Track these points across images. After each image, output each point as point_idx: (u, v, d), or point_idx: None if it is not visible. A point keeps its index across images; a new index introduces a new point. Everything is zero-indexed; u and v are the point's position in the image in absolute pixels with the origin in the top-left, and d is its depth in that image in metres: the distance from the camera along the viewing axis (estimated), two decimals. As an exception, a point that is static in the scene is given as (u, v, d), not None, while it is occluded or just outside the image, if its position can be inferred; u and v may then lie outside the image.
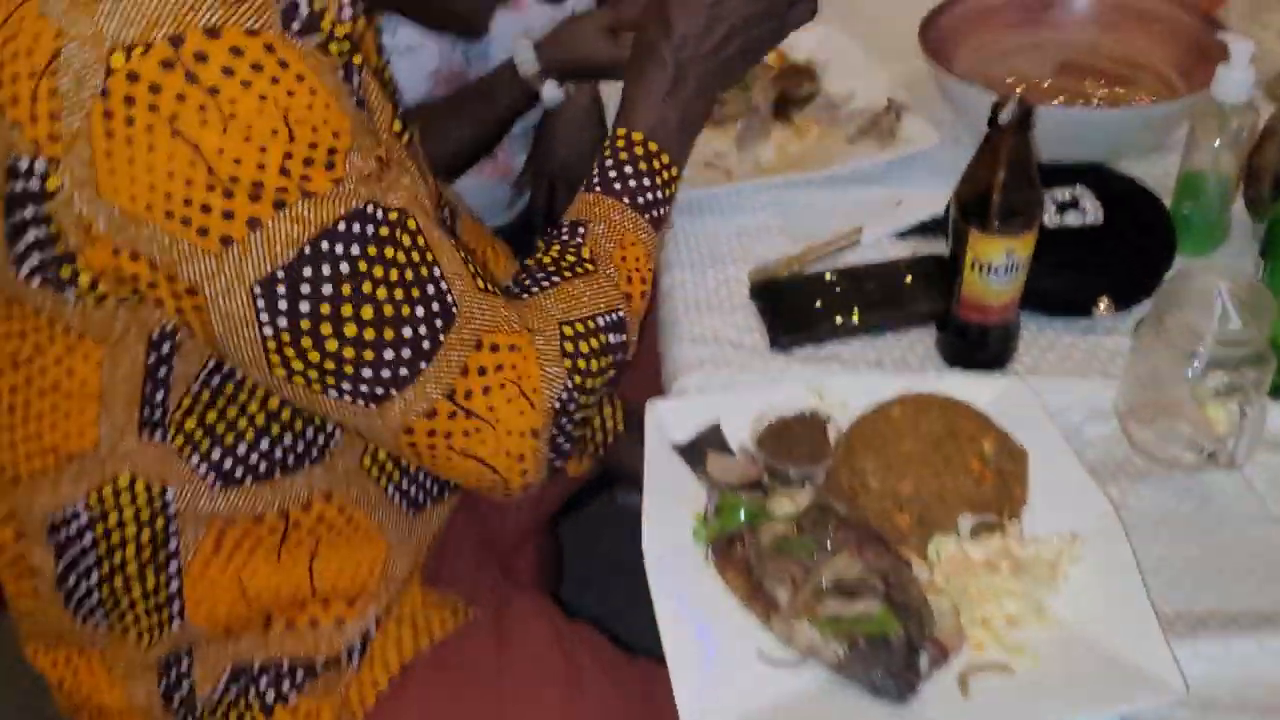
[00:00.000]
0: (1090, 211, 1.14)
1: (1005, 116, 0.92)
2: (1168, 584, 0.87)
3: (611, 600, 1.72)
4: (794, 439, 0.96)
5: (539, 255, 0.96)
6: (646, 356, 1.14)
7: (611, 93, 1.43)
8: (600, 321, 0.91)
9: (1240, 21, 1.41)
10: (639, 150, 0.99)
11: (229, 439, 0.86)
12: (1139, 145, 1.27)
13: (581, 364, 0.88)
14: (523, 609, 1.06)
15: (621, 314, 0.93)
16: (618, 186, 0.98)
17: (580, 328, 0.90)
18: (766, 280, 1.16)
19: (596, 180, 0.99)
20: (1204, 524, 0.92)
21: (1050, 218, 1.14)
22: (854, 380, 1.02)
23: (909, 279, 1.15)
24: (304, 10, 0.74)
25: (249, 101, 0.70)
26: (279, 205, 0.73)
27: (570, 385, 0.87)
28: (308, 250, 0.75)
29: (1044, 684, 0.77)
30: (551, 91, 1.37)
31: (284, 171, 0.72)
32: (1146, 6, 1.38)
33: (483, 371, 0.83)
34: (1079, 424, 1.00)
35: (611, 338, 0.92)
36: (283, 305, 0.75)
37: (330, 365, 0.79)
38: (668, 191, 1.01)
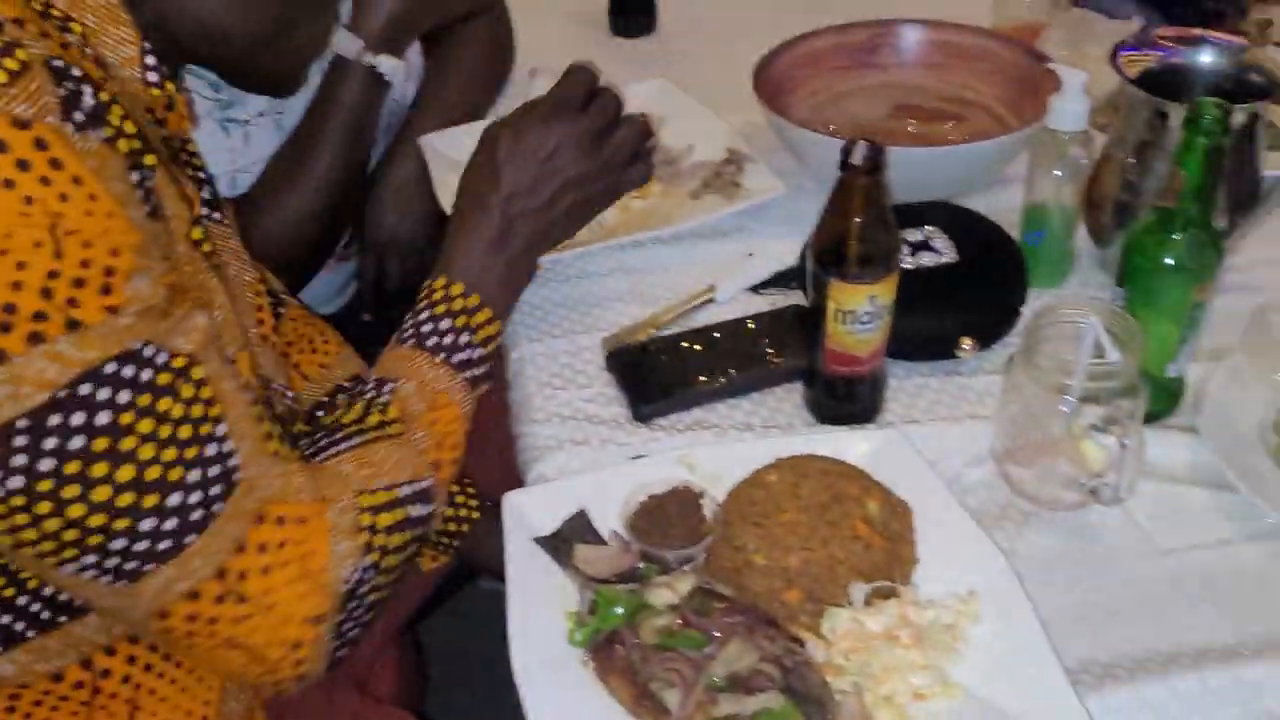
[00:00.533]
0: (944, 251, 1.12)
1: (856, 159, 0.88)
2: (1067, 633, 0.83)
3: (481, 705, 1.62)
4: (668, 519, 0.89)
5: (340, 413, 0.86)
6: (502, 439, 1.06)
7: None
8: (404, 492, 0.82)
9: (1059, 53, 1.43)
10: (458, 304, 0.92)
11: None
12: (980, 181, 1.27)
13: (379, 540, 0.79)
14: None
15: (428, 483, 0.84)
16: (432, 342, 0.90)
17: (382, 498, 0.80)
18: (622, 348, 1.09)
19: (410, 333, 0.91)
20: (1093, 564, 0.89)
21: (904, 259, 1.11)
22: (725, 449, 0.95)
23: (770, 334, 1.10)
24: (88, 100, 0.62)
25: (9, 205, 0.58)
26: (34, 339, 0.60)
27: (365, 564, 0.77)
28: (62, 394, 0.61)
29: (960, 762, 0.72)
30: (388, 64, 1.28)
31: (45, 294, 0.59)
32: (970, 44, 1.39)
33: (263, 549, 0.72)
34: (958, 470, 0.97)
35: (414, 509, 0.82)
36: (18, 460, 0.61)
37: (71, 535, 0.65)
38: (487, 349, 0.93)
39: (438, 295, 0.93)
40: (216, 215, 0.86)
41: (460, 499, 1.10)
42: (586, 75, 1.02)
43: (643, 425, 1.03)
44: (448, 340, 0.91)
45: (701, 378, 1.06)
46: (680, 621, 0.78)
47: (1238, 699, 0.78)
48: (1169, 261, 0.92)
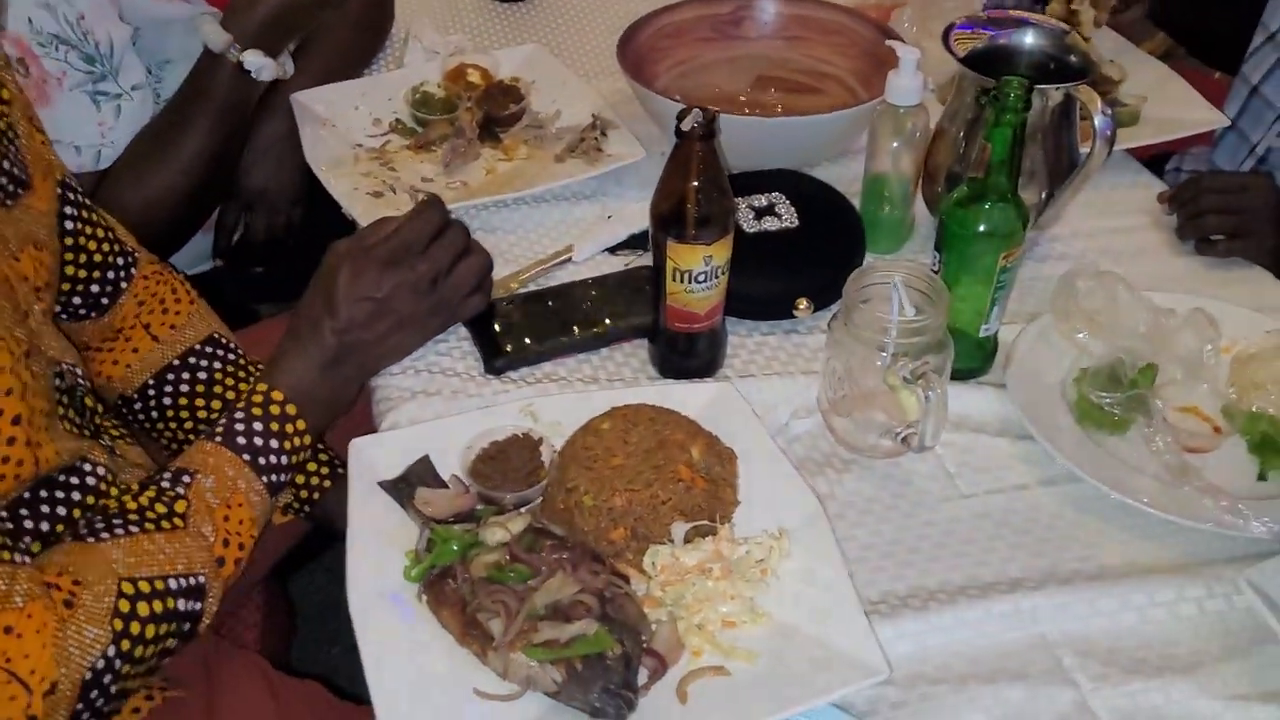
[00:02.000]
0: (786, 216, 1.18)
1: (689, 125, 0.93)
2: (874, 568, 0.91)
3: (349, 642, 1.65)
4: (508, 464, 0.94)
5: (128, 494, 0.86)
6: (363, 404, 1.09)
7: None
8: (173, 584, 0.82)
9: (914, 29, 1.50)
10: (275, 410, 0.94)
11: None
12: (828, 151, 1.34)
13: (135, 628, 0.78)
14: (232, 675, 0.98)
15: (202, 579, 0.84)
16: (241, 441, 0.92)
17: (145, 587, 0.80)
18: (479, 309, 1.13)
19: (220, 431, 0.92)
20: (903, 508, 0.96)
21: (749, 223, 1.17)
22: (565, 399, 1.00)
23: (620, 293, 1.15)
24: None
25: None
26: None
27: (113, 653, 0.77)
28: None
29: (759, 681, 0.78)
30: (255, 60, 1.28)
31: None
32: (826, 19, 1.45)
33: None
34: (787, 421, 1.03)
35: (181, 603, 0.82)
36: None
37: None
38: (294, 459, 0.95)
39: (256, 399, 0.94)
40: None
41: (312, 466, 1.13)
42: (434, 214, 1.05)
43: (494, 378, 1.07)
44: (257, 443, 0.91)
45: (552, 334, 1.10)
46: (509, 557, 0.83)
47: (1017, 624, 0.86)
48: (980, 228, 0.99)
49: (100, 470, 0.90)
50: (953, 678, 0.82)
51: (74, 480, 0.87)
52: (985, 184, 0.98)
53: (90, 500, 0.87)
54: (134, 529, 0.82)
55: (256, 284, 1.57)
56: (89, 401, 0.95)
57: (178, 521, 0.85)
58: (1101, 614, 0.87)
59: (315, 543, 1.38)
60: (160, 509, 0.85)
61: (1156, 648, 0.85)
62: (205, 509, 0.86)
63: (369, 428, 1.04)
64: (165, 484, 0.87)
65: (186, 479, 0.87)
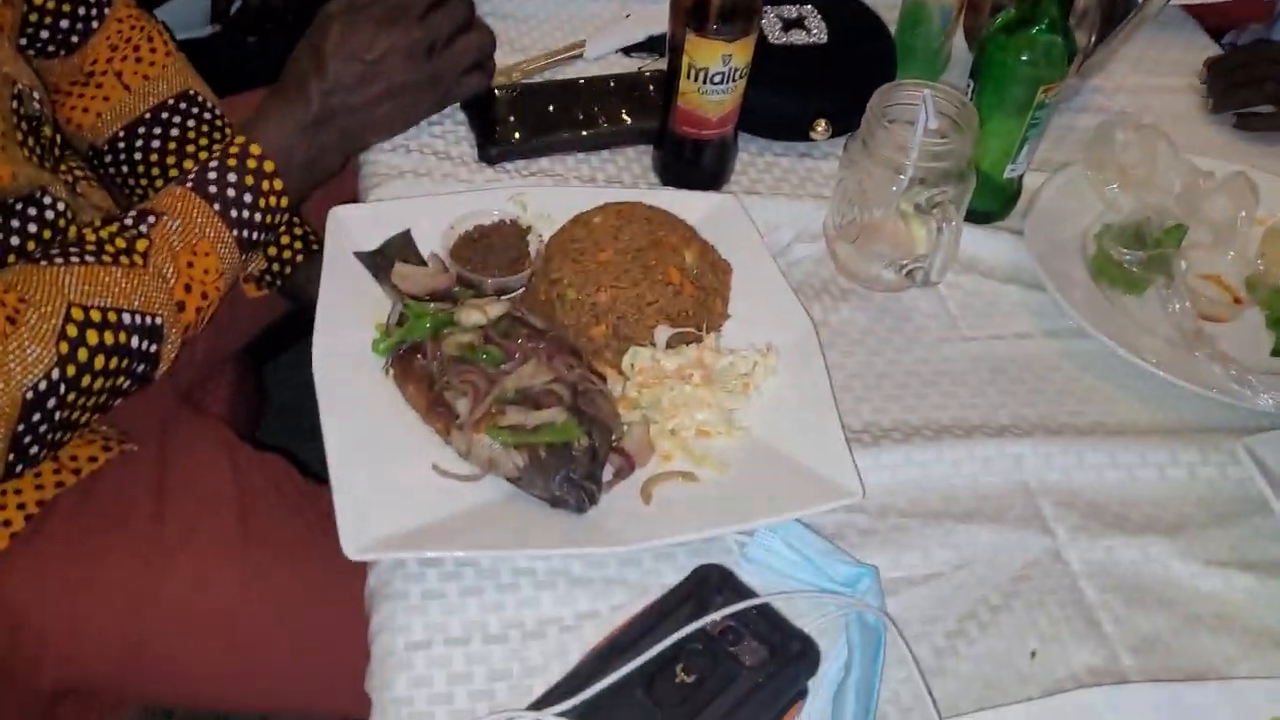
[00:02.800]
0: (815, 31, 1.10)
1: (723, -95, 0.85)
2: (858, 398, 0.87)
3: (309, 442, 1.63)
4: (491, 249, 0.89)
5: (89, 228, 0.82)
6: (346, 176, 1.04)
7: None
8: (127, 319, 0.78)
9: None
10: (252, 164, 0.88)
11: None
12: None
13: (82, 355, 0.75)
14: (193, 438, 0.96)
15: (160, 321, 0.81)
16: (213, 190, 0.86)
17: (96, 316, 0.76)
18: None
19: (193, 177, 0.86)
20: (897, 342, 0.92)
21: (774, 34, 1.09)
22: (559, 191, 0.95)
23: (629, 95, 1.09)
24: None
25: None
26: None
27: (56, 376, 0.74)
28: None
29: (727, 491, 0.75)
30: None
31: None
32: None
33: None
34: (788, 243, 0.98)
35: (135, 341, 0.79)
36: None
37: None
38: (269, 219, 0.89)
39: (233, 149, 0.88)
40: None
41: (285, 239, 1.08)
42: None
43: (487, 167, 1.02)
44: (230, 194, 0.86)
45: (552, 127, 1.04)
46: (483, 339, 0.79)
47: (999, 469, 0.83)
48: (1022, 57, 0.92)
49: (60, 205, 0.85)
50: (925, 512, 0.80)
51: (31, 211, 0.83)
52: (1035, 8, 0.90)
53: (47, 234, 0.83)
54: (90, 259, 0.78)
55: (251, 56, 1.49)
56: (48, 131, 0.90)
57: (137, 259, 0.80)
58: (1087, 467, 0.84)
59: (291, 333, 1.35)
60: (120, 244, 0.80)
61: (1141, 507, 0.82)
62: (168, 251, 0.82)
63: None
64: (129, 222, 0.83)
65: (151, 219, 0.83)
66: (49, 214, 0.84)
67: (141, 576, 0.89)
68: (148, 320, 0.80)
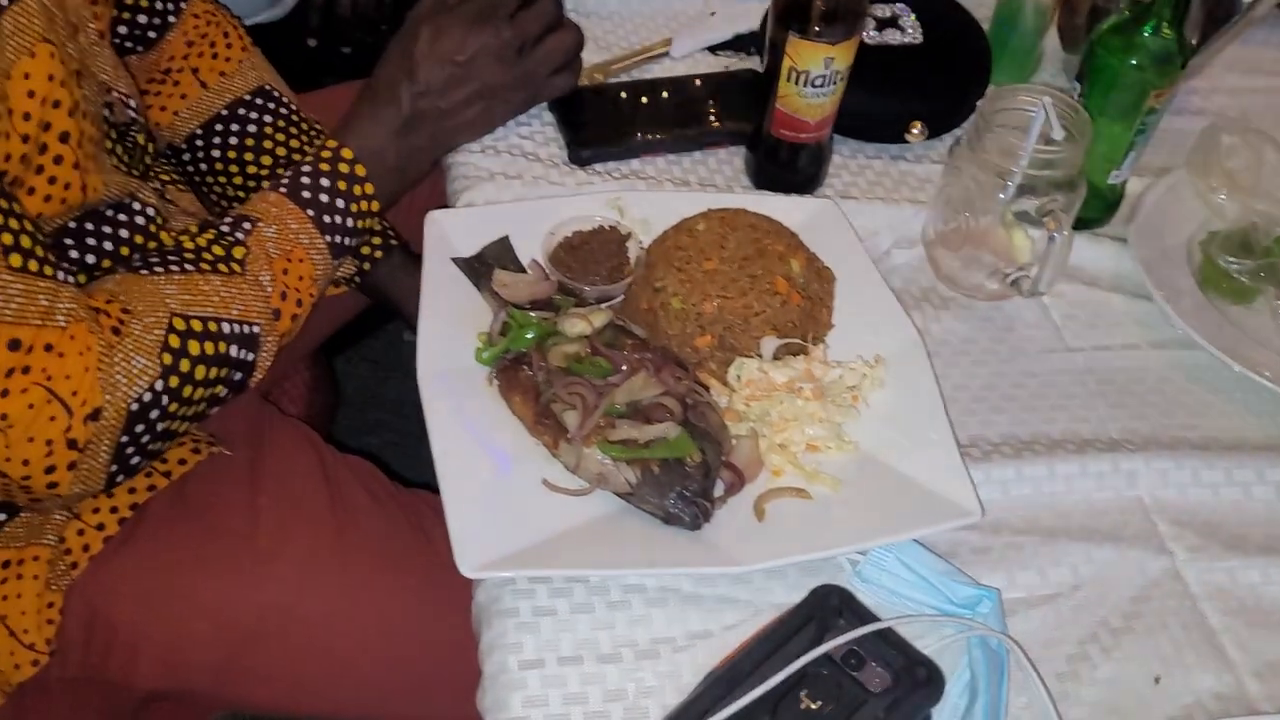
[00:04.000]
0: (910, 30, 1.08)
1: (831, -95, 0.83)
2: (965, 410, 0.85)
3: (388, 435, 1.63)
4: (591, 256, 0.88)
5: (185, 235, 0.81)
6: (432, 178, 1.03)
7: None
8: (226, 329, 0.78)
9: None
10: (344, 168, 0.87)
11: None
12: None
13: (185, 365, 0.75)
14: (281, 440, 0.96)
15: (258, 330, 0.80)
16: (307, 195, 0.85)
17: (197, 326, 0.76)
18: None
19: (286, 183, 0.86)
20: (1002, 353, 0.90)
21: (868, 35, 1.07)
22: (658, 196, 0.94)
23: (720, 95, 1.07)
24: None
25: None
26: None
27: (160, 387, 0.74)
28: None
29: (841, 509, 0.74)
30: None
31: None
32: None
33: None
34: (887, 250, 0.96)
35: (234, 350, 0.78)
36: None
37: None
38: (360, 223, 0.88)
39: (325, 154, 0.87)
40: None
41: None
42: None
43: (578, 169, 1.00)
44: (322, 199, 0.85)
45: (643, 128, 1.03)
46: (590, 350, 0.78)
47: (1113, 485, 0.81)
48: (1132, 61, 0.90)
49: (150, 211, 0.84)
50: (1040, 530, 0.78)
51: (122, 217, 0.82)
52: (1148, 9, 0.88)
53: (139, 240, 0.82)
54: (189, 267, 0.78)
55: (343, 65, 1.49)
56: (140, 139, 0.89)
57: (235, 266, 0.80)
58: (1204, 485, 0.82)
59: (358, 330, 1.35)
60: (218, 251, 0.80)
61: (1260, 527, 0.80)
62: (265, 258, 0.82)
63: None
64: (225, 229, 0.82)
65: (248, 225, 0.82)
66: (139, 219, 0.84)
67: (237, 583, 0.88)
68: (246, 329, 0.79)
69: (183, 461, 0.91)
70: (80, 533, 0.86)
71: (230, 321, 0.78)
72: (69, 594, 0.85)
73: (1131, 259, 0.95)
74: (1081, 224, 0.99)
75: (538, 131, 1.04)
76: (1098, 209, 1.00)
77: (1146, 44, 0.89)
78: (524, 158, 1.01)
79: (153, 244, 0.84)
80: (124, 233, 0.83)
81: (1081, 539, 0.78)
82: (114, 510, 0.87)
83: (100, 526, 0.87)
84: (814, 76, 0.91)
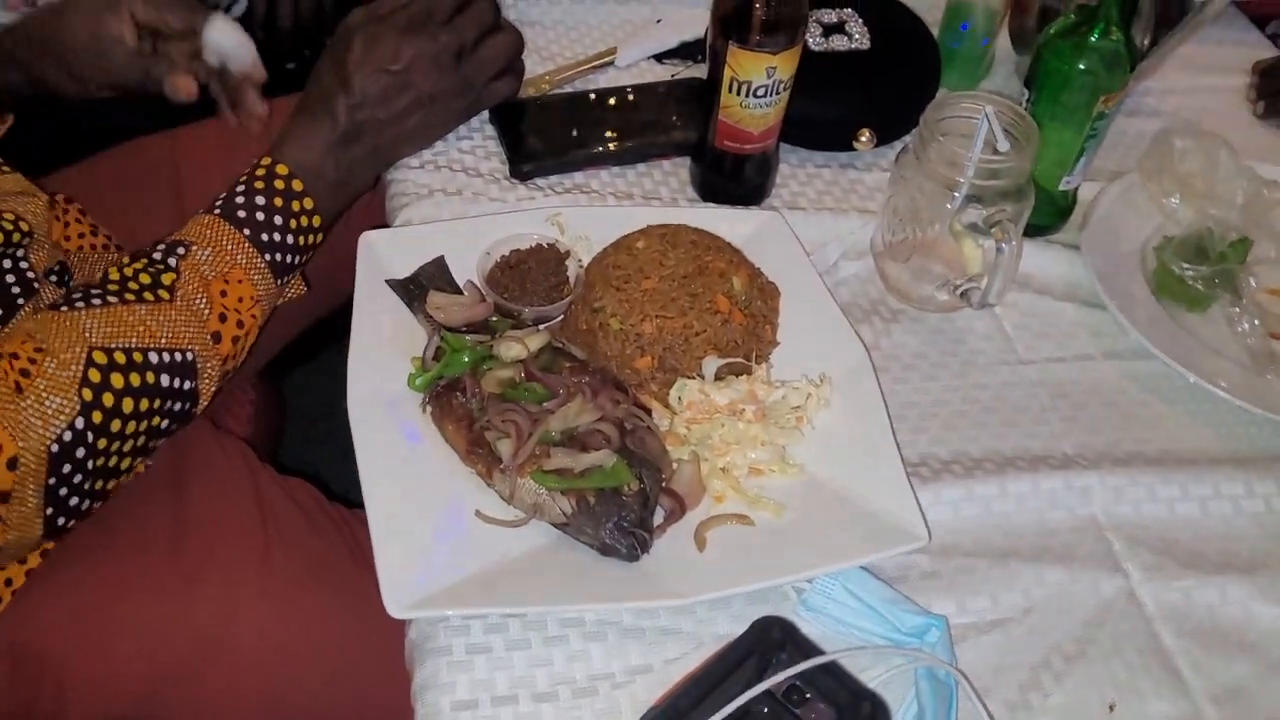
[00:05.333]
0: (857, 36, 1.06)
1: (768, -89, 0.81)
2: (915, 428, 0.83)
3: (339, 447, 1.59)
4: (529, 275, 0.85)
5: (115, 266, 0.78)
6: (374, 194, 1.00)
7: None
8: (155, 358, 0.74)
9: None
10: (279, 184, 0.84)
11: None
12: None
13: (108, 399, 0.72)
14: (210, 456, 0.93)
15: (192, 355, 0.77)
16: (242, 215, 0.82)
17: (120, 358, 0.73)
18: (509, 101, 1.02)
19: (220, 203, 0.83)
20: (953, 367, 0.88)
21: (815, 41, 1.05)
22: (599, 211, 0.91)
23: (665, 105, 1.04)
24: None
25: None
26: None
27: (82, 425, 0.70)
28: None
29: (785, 536, 0.72)
30: None
31: None
32: None
33: None
34: (835, 262, 0.94)
35: (166, 379, 0.75)
36: None
37: None
38: (301, 240, 0.85)
39: (259, 172, 0.85)
40: None
41: None
42: None
43: (519, 184, 0.98)
44: (259, 217, 0.83)
45: (586, 141, 1.00)
46: (524, 375, 0.75)
47: (1066, 503, 0.79)
48: (1080, 65, 0.88)
49: None
50: (992, 552, 0.76)
51: None
52: (1095, 12, 0.86)
53: None
54: (112, 299, 0.75)
55: (287, 80, 1.46)
56: None
57: (163, 294, 0.77)
58: (1159, 501, 0.80)
59: (313, 342, 1.32)
60: (145, 279, 0.77)
61: (1216, 543, 0.78)
62: (199, 282, 0.79)
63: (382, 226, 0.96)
64: (157, 256, 0.79)
65: (181, 250, 0.79)
66: None
67: (163, 609, 0.85)
68: (178, 356, 0.76)
69: None
70: (0, 568, 0.83)
71: (159, 350, 0.75)
72: None
73: (1084, 267, 0.93)
74: (1033, 231, 0.98)
75: (479, 145, 1.01)
76: (1050, 216, 0.98)
77: (1094, 48, 0.87)
78: (464, 173, 0.98)
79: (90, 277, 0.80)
80: None
81: (1034, 560, 0.75)
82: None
83: (22, 560, 0.83)
84: (756, 86, 0.88)
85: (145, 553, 0.86)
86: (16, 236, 0.80)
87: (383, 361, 0.78)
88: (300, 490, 0.96)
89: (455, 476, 0.73)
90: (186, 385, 0.77)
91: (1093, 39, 0.87)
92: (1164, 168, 0.98)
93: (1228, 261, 0.92)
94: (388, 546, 0.67)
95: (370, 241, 0.85)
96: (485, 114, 1.02)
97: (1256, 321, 0.89)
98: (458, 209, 0.95)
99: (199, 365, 0.78)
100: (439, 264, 0.85)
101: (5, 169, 0.89)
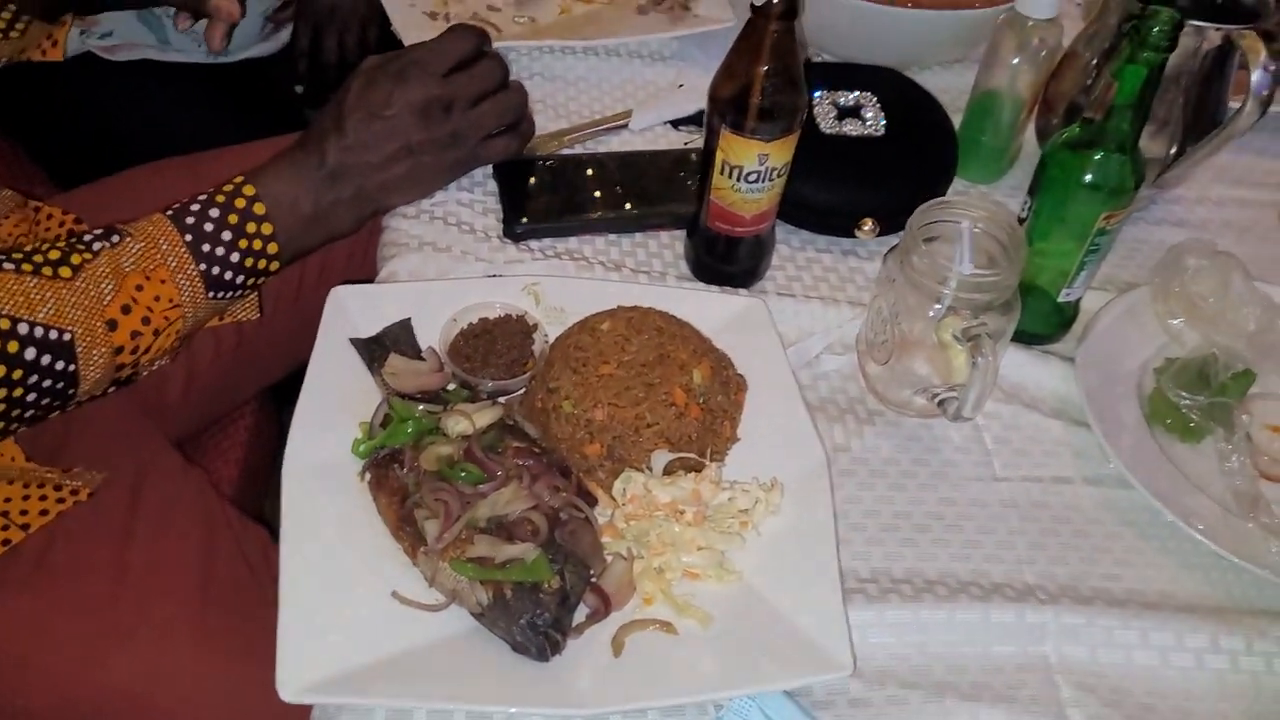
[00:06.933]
0: (872, 121, 1.04)
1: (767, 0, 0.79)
2: (871, 539, 0.80)
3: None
4: (493, 346, 0.84)
5: (45, 241, 0.78)
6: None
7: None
8: (34, 332, 0.73)
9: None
10: (240, 203, 0.84)
11: None
12: (938, 54, 1.18)
13: None
14: (168, 493, 0.93)
15: (70, 336, 0.76)
16: (190, 221, 0.82)
17: None
18: (513, 159, 1.02)
19: (175, 206, 0.83)
20: (922, 477, 0.85)
21: (828, 123, 1.03)
22: (576, 284, 0.90)
23: (668, 175, 1.03)
24: None
25: None
26: None
27: None
28: None
29: (707, 650, 0.69)
30: None
31: None
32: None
33: None
34: (818, 354, 0.92)
35: (44, 358, 0.74)
36: None
37: None
38: (249, 262, 0.85)
39: (227, 188, 0.84)
40: None
41: None
42: (465, 41, 0.94)
43: (511, 244, 0.97)
44: (206, 228, 0.82)
45: (584, 205, 0.99)
46: (464, 454, 0.74)
47: (1017, 639, 0.75)
48: (1085, 178, 0.85)
49: None
50: (928, 684, 0.73)
51: None
52: (1102, 128, 0.83)
53: None
54: (8, 266, 0.75)
55: (318, 84, 1.48)
56: None
57: (63, 271, 0.76)
58: (1116, 646, 0.76)
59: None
60: (54, 255, 0.77)
61: (1171, 699, 0.74)
62: (112, 270, 0.78)
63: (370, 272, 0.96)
64: (88, 237, 0.79)
65: (115, 238, 0.80)
66: None
67: (86, 660, 0.85)
68: (52, 334, 0.75)
69: (44, 513, 0.88)
70: None
71: (35, 324, 0.74)
72: None
73: (1077, 382, 0.89)
74: (1032, 339, 0.94)
75: (478, 200, 1.01)
76: (1050, 325, 0.95)
77: (1098, 164, 0.84)
78: (457, 228, 0.98)
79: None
80: None
81: (972, 698, 0.72)
82: None
83: None
84: (748, 172, 0.87)
85: (81, 597, 0.86)
86: None
87: (331, 421, 0.78)
88: (253, 543, 0.96)
89: (381, 552, 0.72)
90: (60, 365, 0.76)
91: (1098, 156, 0.83)
92: (1173, 286, 0.94)
93: (1227, 394, 0.88)
94: (293, 618, 0.66)
95: (339, 297, 0.85)
96: (490, 169, 1.02)
97: (1246, 461, 0.84)
98: (445, 265, 0.94)
99: (79, 349, 0.77)
100: (404, 326, 0.84)
101: None
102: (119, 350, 0.79)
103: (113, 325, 0.78)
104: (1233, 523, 0.81)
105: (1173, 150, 1.01)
